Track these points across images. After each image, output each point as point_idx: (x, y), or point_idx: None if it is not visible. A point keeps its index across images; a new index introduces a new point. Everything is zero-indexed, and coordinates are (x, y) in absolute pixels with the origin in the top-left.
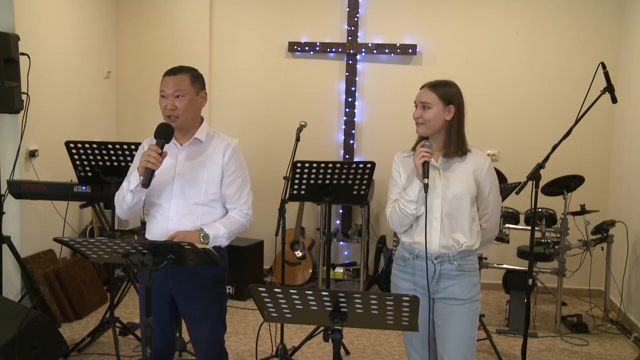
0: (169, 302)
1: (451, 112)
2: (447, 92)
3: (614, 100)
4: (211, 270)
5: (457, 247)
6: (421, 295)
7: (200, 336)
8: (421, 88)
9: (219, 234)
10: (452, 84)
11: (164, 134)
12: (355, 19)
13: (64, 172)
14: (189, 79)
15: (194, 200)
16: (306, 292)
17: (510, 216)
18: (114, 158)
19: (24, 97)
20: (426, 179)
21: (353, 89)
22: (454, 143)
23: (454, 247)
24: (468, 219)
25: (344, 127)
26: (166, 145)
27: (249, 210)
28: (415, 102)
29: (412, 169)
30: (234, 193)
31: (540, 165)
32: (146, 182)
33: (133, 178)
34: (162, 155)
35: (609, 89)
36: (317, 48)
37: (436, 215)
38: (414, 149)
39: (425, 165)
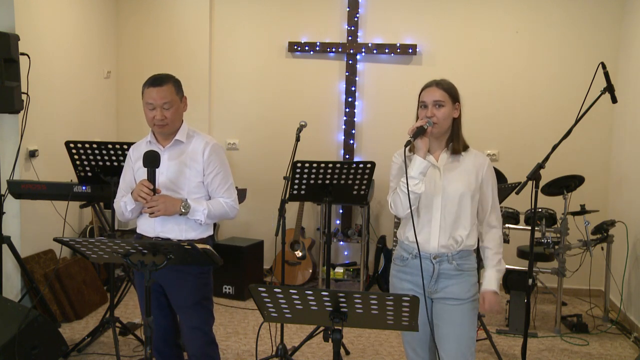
0: (161, 292)
1: (457, 109)
2: (453, 90)
3: (614, 100)
4: None
5: (456, 246)
6: (420, 296)
7: (186, 324)
8: (426, 87)
9: (199, 208)
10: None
11: (152, 161)
12: (355, 19)
13: (64, 172)
14: (174, 89)
15: (178, 196)
16: (306, 292)
17: (510, 216)
18: (114, 158)
19: (24, 97)
20: (412, 139)
21: (353, 89)
22: (462, 141)
23: (453, 247)
24: (468, 219)
25: (344, 127)
26: (150, 147)
27: (234, 203)
28: (424, 102)
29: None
30: (217, 186)
31: (540, 165)
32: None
33: (129, 200)
34: (157, 190)
35: (609, 89)
36: (317, 48)
37: (436, 214)
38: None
39: (419, 129)
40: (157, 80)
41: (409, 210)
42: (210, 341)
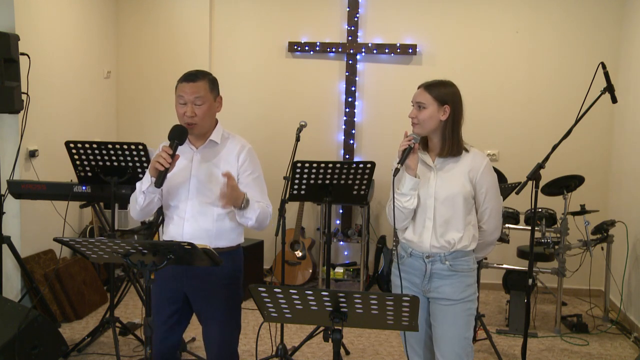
0: (180, 301)
1: (446, 112)
2: (442, 93)
3: (614, 100)
4: (225, 271)
5: (449, 247)
6: (415, 294)
7: (212, 336)
8: (418, 88)
9: (254, 206)
10: (449, 84)
11: (178, 135)
12: (355, 19)
13: (64, 172)
14: (208, 86)
15: (209, 200)
16: (306, 292)
17: (510, 216)
18: (114, 158)
19: (24, 97)
20: (400, 165)
21: (353, 89)
22: (449, 143)
23: (446, 247)
24: (462, 220)
25: (344, 127)
26: (181, 148)
27: (270, 209)
28: (411, 102)
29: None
30: (256, 192)
31: (540, 165)
32: (158, 182)
33: (145, 179)
34: (175, 157)
35: (609, 89)
36: (317, 48)
37: (429, 215)
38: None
39: (405, 152)
40: (191, 75)
41: (404, 224)
42: (233, 355)
